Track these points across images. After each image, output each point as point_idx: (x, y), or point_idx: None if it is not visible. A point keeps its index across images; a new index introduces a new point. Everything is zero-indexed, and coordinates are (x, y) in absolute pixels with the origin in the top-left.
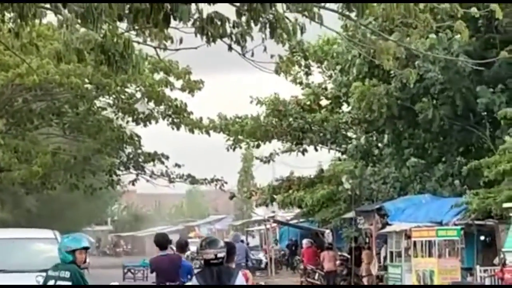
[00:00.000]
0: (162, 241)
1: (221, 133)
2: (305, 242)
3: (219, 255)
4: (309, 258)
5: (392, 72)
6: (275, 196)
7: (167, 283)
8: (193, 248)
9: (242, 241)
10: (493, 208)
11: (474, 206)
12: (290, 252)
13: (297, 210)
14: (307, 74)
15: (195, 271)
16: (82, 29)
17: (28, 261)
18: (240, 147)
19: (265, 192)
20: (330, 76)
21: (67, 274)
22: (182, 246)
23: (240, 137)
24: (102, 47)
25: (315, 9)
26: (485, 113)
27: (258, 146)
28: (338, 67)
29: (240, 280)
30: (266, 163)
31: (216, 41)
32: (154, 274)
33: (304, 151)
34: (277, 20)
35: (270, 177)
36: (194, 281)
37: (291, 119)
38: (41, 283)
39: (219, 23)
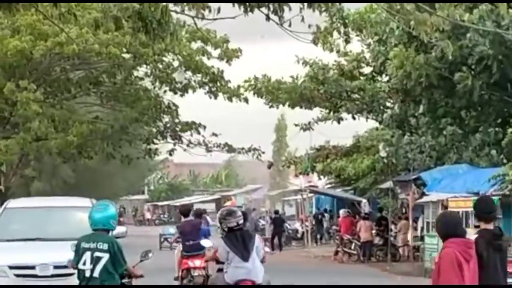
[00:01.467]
0: (184, 211)
1: (261, 92)
2: (342, 212)
3: (240, 222)
4: (346, 227)
5: (432, 42)
6: (315, 165)
7: (190, 242)
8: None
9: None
10: None
11: (511, 177)
12: (317, 221)
13: (333, 180)
14: (347, 41)
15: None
16: None
17: (65, 230)
18: (277, 107)
19: (304, 161)
20: (369, 45)
21: (105, 246)
22: (198, 214)
23: (279, 97)
24: (139, 14)
25: None
26: None
27: (293, 106)
28: (376, 38)
29: (257, 240)
30: (306, 130)
31: (254, 11)
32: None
33: (340, 119)
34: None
35: (304, 147)
36: (222, 243)
37: (327, 85)
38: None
39: None
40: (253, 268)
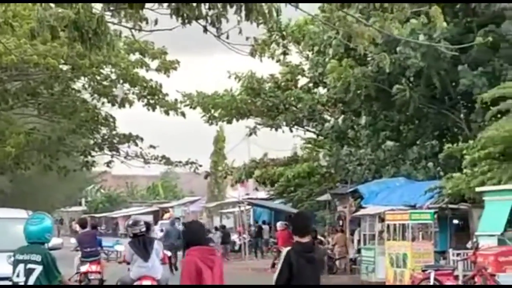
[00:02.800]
0: (82, 223)
1: (196, 108)
2: (279, 224)
3: (142, 229)
4: (283, 240)
5: (368, 55)
6: (252, 172)
7: (88, 249)
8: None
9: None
10: (467, 192)
11: (448, 190)
12: (256, 234)
13: (272, 193)
14: (285, 53)
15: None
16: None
17: (0, 241)
18: (216, 124)
19: (240, 170)
20: (307, 57)
21: (38, 257)
22: (93, 226)
23: (215, 114)
24: (75, 23)
25: None
26: (460, 97)
27: (229, 121)
28: (315, 48)
29: (156, 245)
30: (249, 135)
31: (192, 23)
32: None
33: (277, 127)
34: (252, 2)
35: (241, 159)
36: (127, 247)
37: (264, 96)
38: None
39: (194, 4)
40: (152, 267)
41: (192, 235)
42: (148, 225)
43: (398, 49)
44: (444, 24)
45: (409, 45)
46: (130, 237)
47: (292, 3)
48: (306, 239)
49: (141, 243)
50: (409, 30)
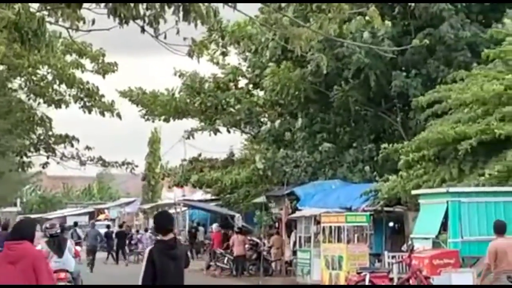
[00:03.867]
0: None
1: (137, 104)
2: (214, 226)
3: (57, 231)
4: (218, 242)
5: (306, 56)
6: (189, 177)
7: None
8: (101, 230)
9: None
10: (402, 195)
11: (384, 193)
12: (190, 235)
13: (209, 196)
14: (224, 54)
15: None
16: None
17: None
18: (153, 121)
19: (178, 173)
20: (246, 58)
21: None
22: (4, 227)
23: (154, 112)
24: (16, 24)
25: None
26: (397, 100)
27: (168, 120)
28: (253, 48)
29: (69, 243)
30: (188, 138)
31: (129, 23)
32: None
33: (217, 130)
34: (190, 3)
35: (177, 161)
36: (45, 246)
37: (204, 96)
38: None
39: (132, 4)
40: (66, 261)
41: None
42: (62, 228)
43: (345, 43)
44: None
45: (355, 40)
46: (47, 237)
47: (230, 4)
48: (168, 237)
49: (56, 243)
50: (354, 27)
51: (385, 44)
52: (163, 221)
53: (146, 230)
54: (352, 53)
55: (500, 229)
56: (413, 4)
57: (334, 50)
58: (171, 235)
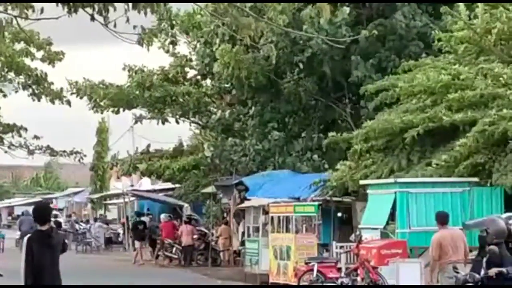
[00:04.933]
0: None
1: (84, 98)
2: (163, 216)
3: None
4: (167, 232)
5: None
6: (138, 166)
7: None
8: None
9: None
10: (351, 185)
11: (333, 183)
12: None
13: (158, 186)
14: (173, 43)
15: None
16: None
17: None
18: (102, 112)
19: (126, 163)
20: (195, 48)
21: None
22: None
23: (101, 103)
24: None
25: None
26: (347, 90)
27: (117, 112)
28: (202, 39)
29: None
30: (136, 123)
31: (78, 11)
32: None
33: (165, 120)
34: None
35: (125, 150)
36: None
37: (153, 90)
38: None
39: None
40: None
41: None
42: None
43: (304, 27)
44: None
45: (313, 26)
46: None
47: None
48: (45, 227)
49: None
50: (312, 14)
51: (342, 30)
52: (42, 212)
53: (95, 220)
54: (309, 38)
55: (442, 219)
56: None
57: (291, 36)
58: (47, 225)
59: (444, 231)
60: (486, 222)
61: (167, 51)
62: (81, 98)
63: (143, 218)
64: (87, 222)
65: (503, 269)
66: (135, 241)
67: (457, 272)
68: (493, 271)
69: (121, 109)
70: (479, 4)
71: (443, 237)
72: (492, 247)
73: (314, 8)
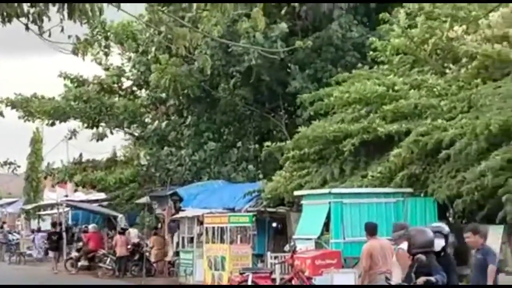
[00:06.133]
0: None
1: (19, 111)
2: (91, 227)
3: None
4: (96, 242)
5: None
6: (73, 176)
7: None
8: None
9: None
10: (285, 195)
11: (267, 194)
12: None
13: (93, 196)
14: (106, 54)
15: None
16: None
17: None
18: (33, 121)
19: (61, 172)
20: (130, 59)
21: None
22: None
23: (37, 115)
24: None
25: None
26: (282, 100)
27: (52, 124)
28: (140, 49)
29: None
30: (70, 139)
31: (12, 21)
32: None
33: (104, 136)
34: (74, 2)
35: (59, 161)
36: None
37: (89, 103)
38: None
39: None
40: None
41: None
42: None
43: (241, 41)
44: (284, 24)
45: (249, 40)
46: None
47: (114, 4)
48: None
49: None
50: (248, 26)
51: (278, 44)
52: None
53: (39, 230)
54: (245, 52)
55: (371, 230)
56: (298, 5)
57: (228, 48)
58: None
59: (374, 241)
60: (412, 232)
61: (100, 63)
62: (17, 110)
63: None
64: (18, 233)
65: (432, 278)
66: (49, 251)
67: (389, 282)
68: (421, 280)
69: (56, 121)
70: (422, 15)
71: (373, 247)
72: (419, 256)
73: (249, 20)
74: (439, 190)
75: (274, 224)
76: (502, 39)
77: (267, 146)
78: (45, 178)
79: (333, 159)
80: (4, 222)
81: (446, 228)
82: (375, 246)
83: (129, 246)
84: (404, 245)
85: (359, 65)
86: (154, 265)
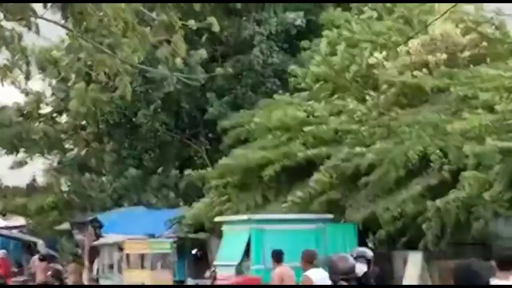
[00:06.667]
0: None
1: None
2: (1, 253)
3: None
4: (6, 269)
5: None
6: None
7: None
8: None
9: None
10: (206, 221)
11: (188, 220)
12: None
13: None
14: (27, 78)
15: None
16: None
17: None
18: None
19: None
20: (50, 84)
21: None
22: None
23: None
24: None
25: (32, 19)
26: (202, 127)
27: None
28: (58, 74)
29: None
30: None
31: None
32: None
33: (25, 162)
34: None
35: None
36: None
37: (10, 126)
38: None
39: None
40: None
41: None
42: None
43: (161, 68)
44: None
45: (168, 66)
46: None
47: (33, 30)
48: None
49: None
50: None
51: (197, 70)
52: None
53: None
54: (164, 78)
55: (278, 257)
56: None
57: (146, 73)
58: None
59: (282, 268)
60: (334, 258)
61: (19, 87)
62: None
63: None
64: None
65: None
66: None
67: None
68: None
69: None
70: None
71: (283, 273)
72: (341, 283)
73: (170, 45)
74: (357, 214)
75: (194, 251)
76: (421, 66)
77: (187, 175)
78: None
79: (255, 186)
80: None
81: (369, 253)
82: (285, 272)
83: (49, 273)
84: (310, 272)
85: (280, 91)
86: None
